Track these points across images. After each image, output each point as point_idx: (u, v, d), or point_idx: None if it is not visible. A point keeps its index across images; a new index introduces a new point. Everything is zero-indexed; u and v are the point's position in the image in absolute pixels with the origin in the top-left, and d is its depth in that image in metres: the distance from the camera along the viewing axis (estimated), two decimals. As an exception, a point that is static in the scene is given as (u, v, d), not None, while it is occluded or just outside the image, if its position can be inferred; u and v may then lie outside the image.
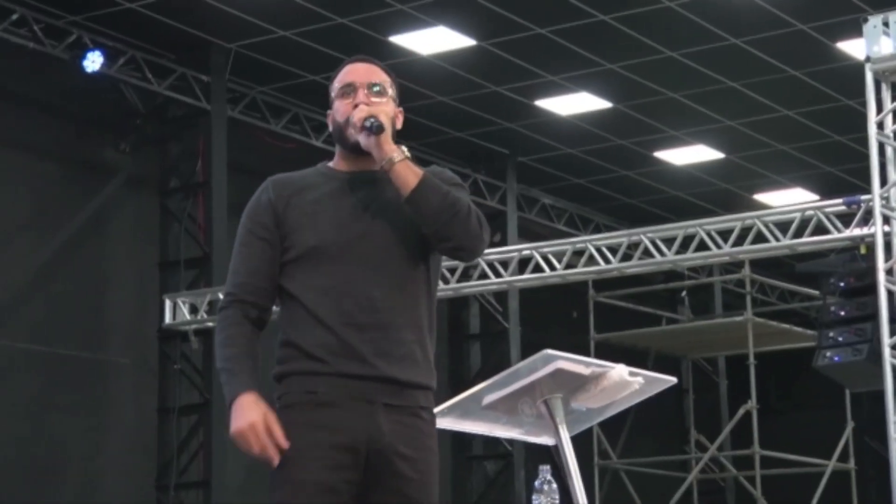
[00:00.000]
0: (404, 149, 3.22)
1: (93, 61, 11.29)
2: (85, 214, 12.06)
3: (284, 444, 3.11)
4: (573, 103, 13.38)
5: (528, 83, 12.84)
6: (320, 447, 3.14)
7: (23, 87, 11.63)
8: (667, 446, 15.79)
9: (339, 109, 3.31)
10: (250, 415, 3.11)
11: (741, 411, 13.40)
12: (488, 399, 3.36)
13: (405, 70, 12.36)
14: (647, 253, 11.06)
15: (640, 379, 3.37)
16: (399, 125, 3.37)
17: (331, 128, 3.36)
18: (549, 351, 3.27)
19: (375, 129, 3.20)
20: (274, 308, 3.33)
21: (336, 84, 3.35)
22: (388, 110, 3.29)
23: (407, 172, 3.18)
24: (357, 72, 3.33)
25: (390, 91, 3.35)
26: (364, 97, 3.28)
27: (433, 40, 11.89)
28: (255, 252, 3.26)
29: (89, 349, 11.85)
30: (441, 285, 11.61)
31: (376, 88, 3.31)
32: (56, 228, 11.86)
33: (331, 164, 3.38)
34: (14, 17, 10.97)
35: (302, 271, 3.23)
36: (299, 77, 12.64)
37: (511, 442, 14.22)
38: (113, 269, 12.25)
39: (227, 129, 12.35)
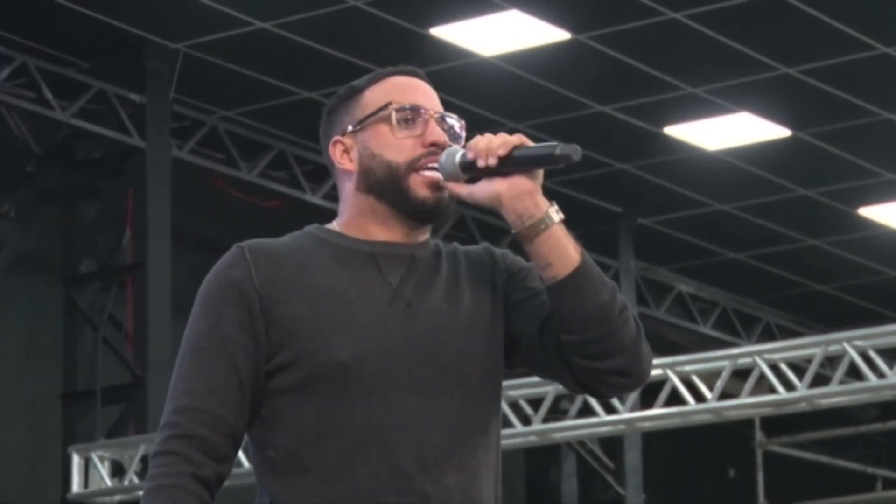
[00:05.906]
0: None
1: (-42, 75, 11.44)
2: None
3: None
4: (724, 129, 13.48)
5: (653, 99, 13.04)
6: None
7: None
8: None
9: (399, 144, 3.35)
10: None
11: None
12: None
13: (457, 78, 12.51)
14: (853, 372, 11.03)
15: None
16: None
17: (356, 169, 3.37)
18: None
19: (565, 158, 3.28)
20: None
21: (387, 104, 3.38)
22: None
23: (567, 241, 3.28)
24: (423, 92, 3.42)
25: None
26: (439, 133, 3.37)
27: (501, 34, 12.08)
28: (221, 363, 3.19)
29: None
30: (516, 428, 11.86)
31: (445, 124, 3.45)
32: None
33: (334, 227, 3.40)
34: None
35: (312, 404, 3.20)
36: (287, 94, 12.84)
37: None
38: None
39: (171, 177, 12.45)
